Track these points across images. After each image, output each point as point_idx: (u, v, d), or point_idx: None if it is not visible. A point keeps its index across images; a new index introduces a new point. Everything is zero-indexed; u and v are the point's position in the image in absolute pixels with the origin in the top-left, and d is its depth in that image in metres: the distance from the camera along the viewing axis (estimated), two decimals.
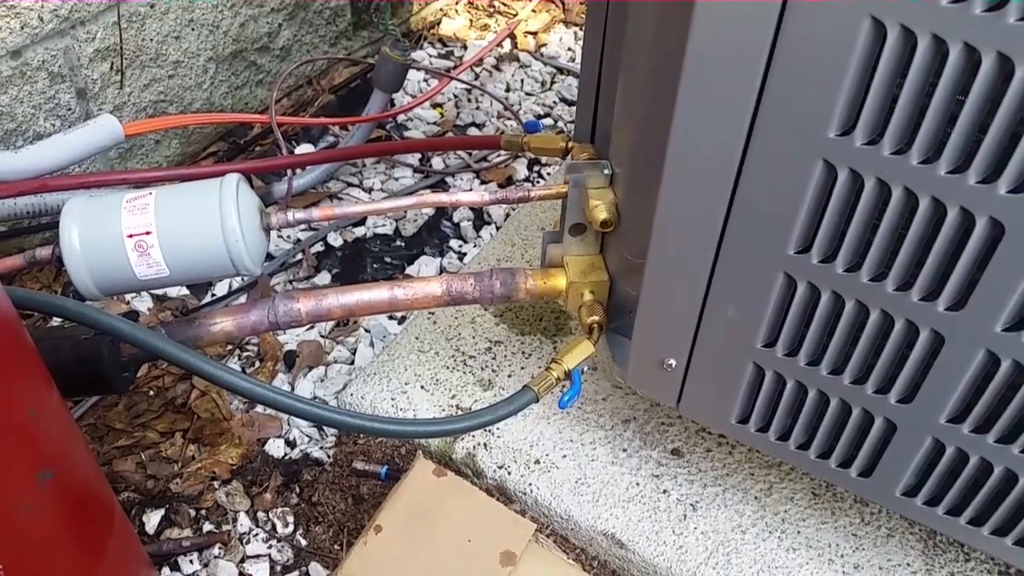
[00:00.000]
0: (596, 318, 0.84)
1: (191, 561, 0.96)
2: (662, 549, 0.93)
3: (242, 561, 0.97)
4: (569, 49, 1.78)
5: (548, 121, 1.60)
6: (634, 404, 1.06)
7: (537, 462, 1.00)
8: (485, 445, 1.02)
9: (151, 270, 0.77)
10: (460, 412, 1.04)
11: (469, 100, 1.63)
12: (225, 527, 1.00)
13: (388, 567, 0.89)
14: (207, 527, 1.00)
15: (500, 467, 1.00)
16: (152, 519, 0.99)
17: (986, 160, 0.54)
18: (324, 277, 1.29)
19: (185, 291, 1.25)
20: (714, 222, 0.67)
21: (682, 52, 0.58)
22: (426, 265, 1.32)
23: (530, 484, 0.98)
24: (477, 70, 1.69)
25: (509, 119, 1.59)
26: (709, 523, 0.95)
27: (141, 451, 1.05)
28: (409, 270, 1.31)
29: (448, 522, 0.92)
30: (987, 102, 0.52)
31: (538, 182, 1.48)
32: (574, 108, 1.55)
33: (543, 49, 1.78)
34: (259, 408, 1.11)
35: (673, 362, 0.79)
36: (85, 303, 0.74)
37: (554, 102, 1.64)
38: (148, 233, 0.76)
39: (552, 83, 1.69)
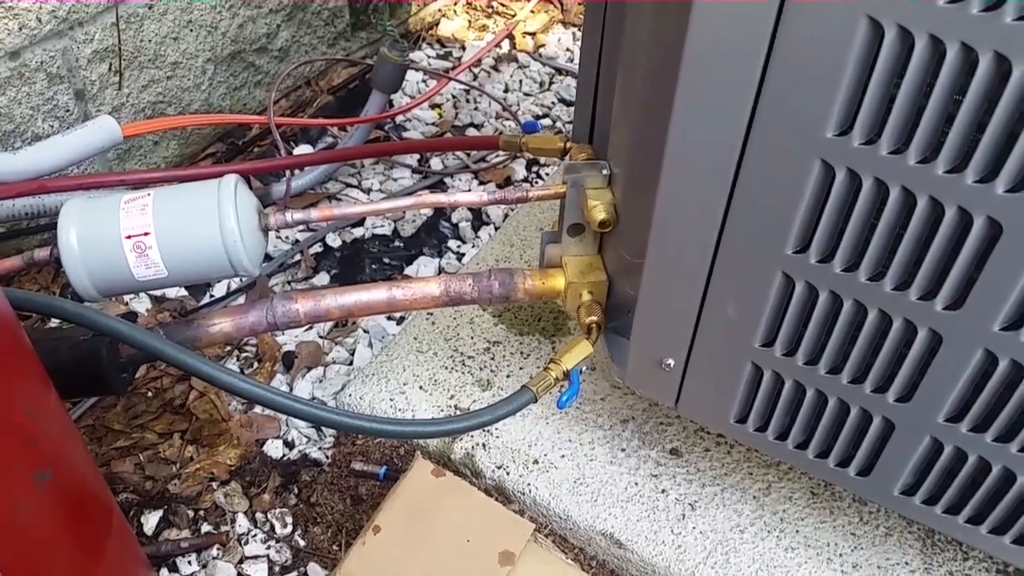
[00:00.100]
0: (594, 318, 0.84)
1: (189, 562, 0.96)
2: (660, 549, 0.93)
3: (240, 562, 0.97)
4: (567, 49, 1.78)
5: (546, 121, 1.60)
6: (632, 404, 1.06)
7: (536, 462, 1.00)
8: (484, 445, 1.02)
9: (149, 271, 0.77)
10: (458, 412, 1.04)
11: (467, 101, 1.63)
12: (223, 528, 1.00)
13: (387, 567, 0.89)
14: (205, 528, 1.00)
15: (499, 467, 1.00)
16: (150, 520, 0.99)
17: (983, 160, 0.54)
18: (323, 278, 1.29)
19: (183, 292, 1.25)
20: (712, 222, 0.67)
21: (680, 52, 0.59)
22: (424, 265, 1.32)
23: (529, 484, 0.98)
24: (475, 71, 1.69)
25: (507, 119, 1.59)
26: (707, 522, 0.95)
27: (139, 452, 1.05)
28: (408, 270, 1.31)
29: (447, 522, 0.92)
30: (984, 102, 0.52)
31: (536, 182, 1.48)
32: (572, 108, 1.55)
33: (541, 50, 1.78)
34: (257, 409, 1.11)
35: (671, 362, 0.79)
36: (83, 304, 0.74)
37: (552, 102, 1.64)
38: (146, 234, 0.76)
39: (550, 83, 1.69)
